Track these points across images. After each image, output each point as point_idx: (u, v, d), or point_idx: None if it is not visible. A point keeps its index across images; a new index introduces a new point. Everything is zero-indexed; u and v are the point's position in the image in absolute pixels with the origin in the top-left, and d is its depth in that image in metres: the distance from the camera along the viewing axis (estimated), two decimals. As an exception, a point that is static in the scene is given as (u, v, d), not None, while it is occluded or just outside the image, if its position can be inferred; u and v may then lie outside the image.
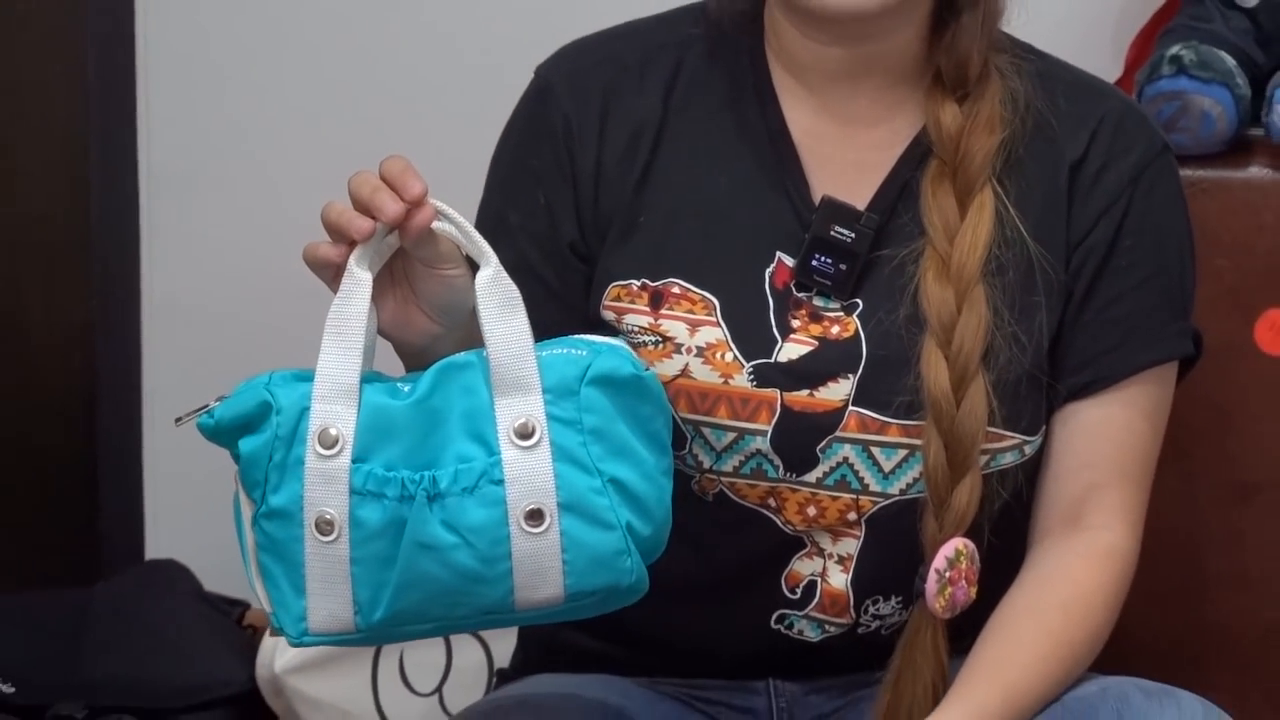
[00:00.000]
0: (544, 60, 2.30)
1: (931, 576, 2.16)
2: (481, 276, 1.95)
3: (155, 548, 3.38)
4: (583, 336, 2.00)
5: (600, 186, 2.20)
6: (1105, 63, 2.84)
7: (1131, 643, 2.50)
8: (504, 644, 2.82)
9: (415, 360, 2.05)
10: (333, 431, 1.94)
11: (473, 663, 2.98)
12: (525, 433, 1.94)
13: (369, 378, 1.98)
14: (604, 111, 2.25)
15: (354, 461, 1.94)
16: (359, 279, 1.95)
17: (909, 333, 2.16)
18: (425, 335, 2.03)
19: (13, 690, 2.93)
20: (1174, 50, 2.73)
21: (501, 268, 1.95)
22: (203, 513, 3.24)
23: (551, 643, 2.36)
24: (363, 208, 1.95)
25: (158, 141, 3.33)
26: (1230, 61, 2.73)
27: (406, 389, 1.97)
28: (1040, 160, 2.21)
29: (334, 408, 1.95)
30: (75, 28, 3.36)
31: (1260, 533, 2.76)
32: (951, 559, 2.16)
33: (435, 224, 1.95)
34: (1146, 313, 2.21)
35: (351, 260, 1.96)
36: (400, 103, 3.25)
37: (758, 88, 2.26)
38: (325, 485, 1.94)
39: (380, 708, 2.95)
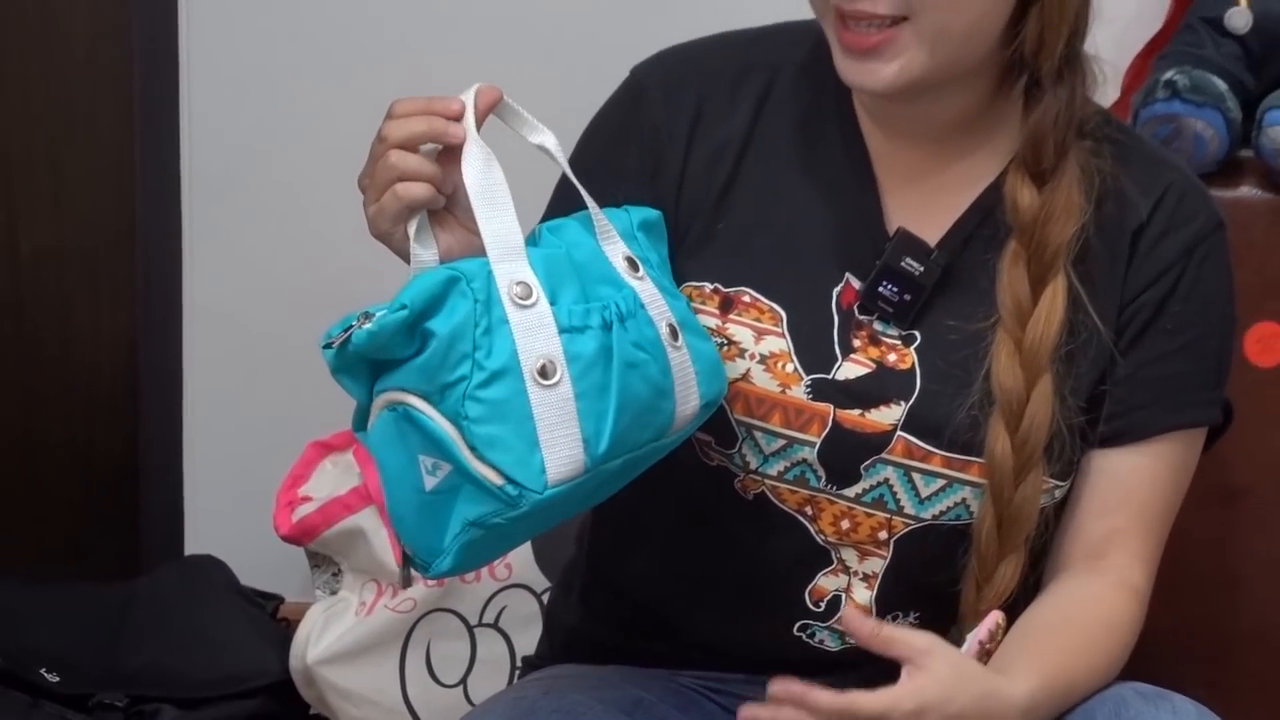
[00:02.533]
0: (641, 62, 2.27)
1: (975, 647, 2.14)
2: (550, 144, 2.03)
3: (194, 544, 3.37)
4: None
5: (683, 192, 2.18)
6: (1103, 87, 2.82)
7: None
8: (526, 637, 2.83)
9: None
10: (526, 283, 1.95)
11: (496, 655, 2.97)
12: (634, 266, 2.01)
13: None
14: (694, 123, 2.22)
15: (551, 304, 1.96)
16: (484, 151, 1.98)
17: (966, 384, 2.14)
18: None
19: (58, 680, 2.93)
20: (1168, 75, 2.72)
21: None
22: (240, 511, 3.25)
23: (575, 634, 2.35)
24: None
25: (198, 160, 3.33)
26: (1222, 86, 2.72)
27: (545, 244, 2.02)
28: (1107, 231, 2.17)
29: (514, 264, 1.96)
30: (122, 53, 3.35)
31: (1246, 534, 2.77)
32: (994, 632, 2.14)
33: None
34: (1183, 376, 2.19)
35: (471, 139, 1.98)
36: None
37: (841, 115, 2.23)
38: (535, 332, 1.94)
39: (408, 698, 2.94)
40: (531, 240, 2.01)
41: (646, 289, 2.01)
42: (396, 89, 3.15)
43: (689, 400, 2.02)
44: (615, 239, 2.03)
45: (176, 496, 3.38)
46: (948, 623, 2.17)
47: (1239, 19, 2.77)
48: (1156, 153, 2.28)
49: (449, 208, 2.02)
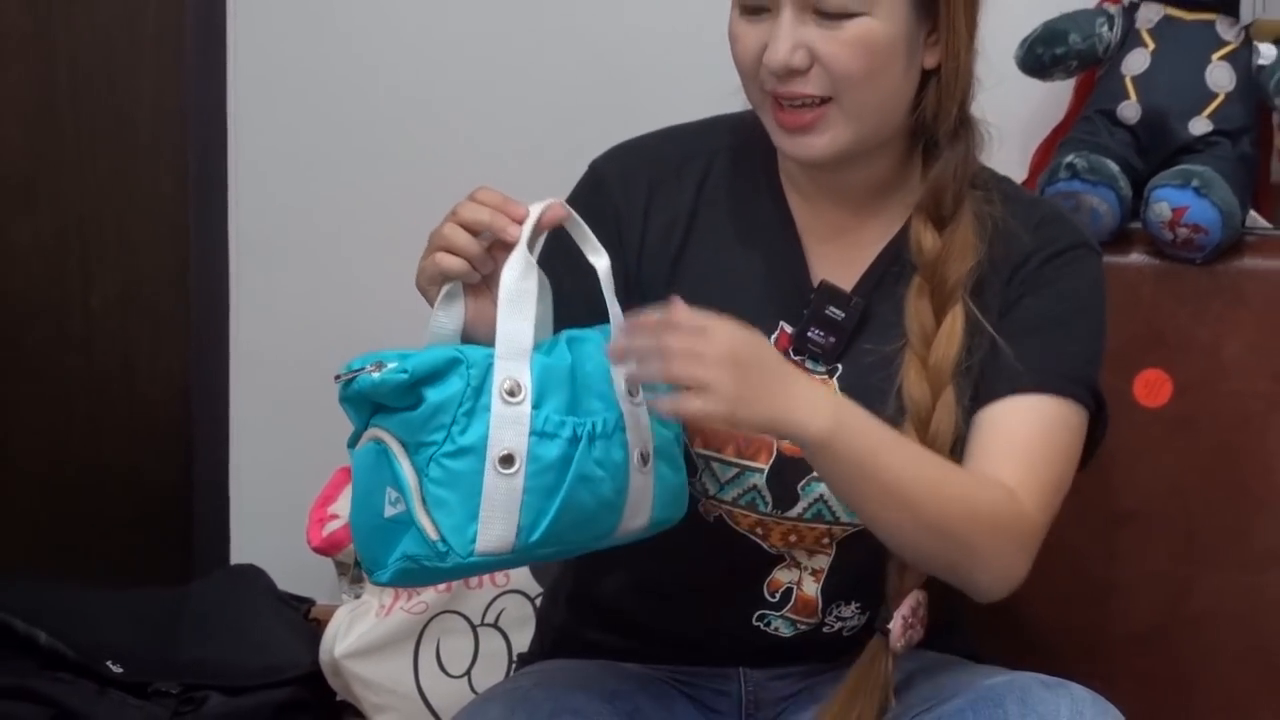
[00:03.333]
0: (599, 156, 2.30)
1: (898, 622, 2.14)
2: (602, 268, 2.03)
3: (238, 554, 3.37)
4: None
5: (643, 261, 2.19)
6: (1014, 169, 2.83)
7: (1031, 641, 2.50)
8: (522, 636, 2.82)
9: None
10: (519, 383, 1.95)
11: (496, 650, 2.96)
12: (632, 390, 1.98)
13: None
14: (648, 204, 2.25)
15: (534, 408, 1.95)
16: (526, 260, 1.98)
17: (880, 404, 2.13)
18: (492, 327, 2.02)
19: (121, 670, 2.92)
20: (1069, 158, 2.73)
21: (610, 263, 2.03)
22: (277, 526, 3.24)
23: (562, 633, 2.36)
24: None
25: (243, 225, 3.34)
26: (1115, 168, 2.73)
27: (556, 354, 2.00)
28: (999, 265, 2.19)
29: (514, 364, 1.95)
30: (179, 134, 3.36)
31: (1133, 550, 2.76)
32: (914, 608, 2.15)
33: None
34: (1042, 354, 2.17)
35: (520, 249, 1.98)
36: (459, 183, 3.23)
37: (770, 188, 2.26)
38: (510, 426, 1.94)
39: (420, 687, 2.94)
40: (550, 345, 2.00)
41: (636, 414, 1.99)
42: (415, 157, 3.18)
43: (637, 518, 2.01)
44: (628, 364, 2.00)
45: (223, 514, 3.38)
46: (877, 629, 2.18)
47: (1129, 111, 2.78)
48: (1032, 195, 2.33)
49: (487, 283, 2.02)
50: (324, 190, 3.27)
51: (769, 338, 2.19)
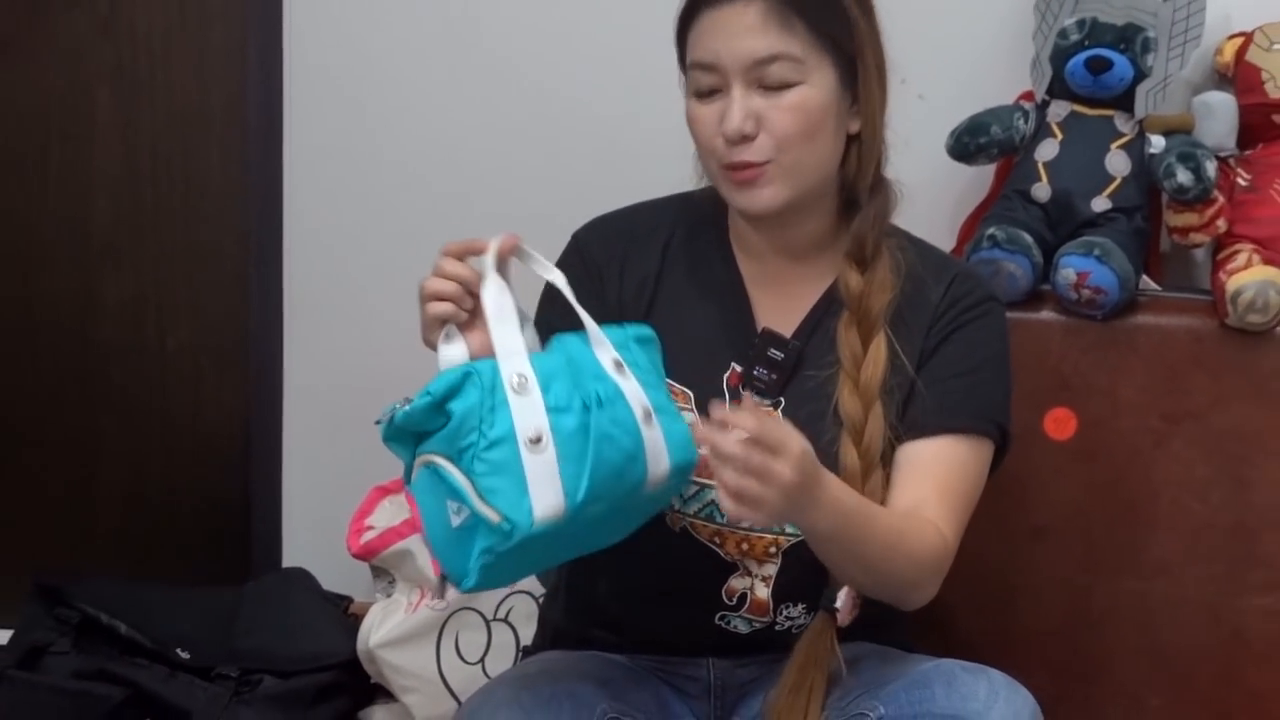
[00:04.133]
0: (580, 228, 2.34)
1: (848, 601, 2.16)
2: (559, 281, 2.07)
3: (289, 559, 3.37)
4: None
5: (621, 314, 2.22)
6: (945, 238, 2.85)
7: (955, 636, 2.50)
8: (528, 630, 2.82)
9: None
10: (524, 376, 1.97)
11: (506, 642, 2.96)
12: (619, 367, 2.00)
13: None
14: (622, 266, 2.28)
15: (544, 391, 1.97)
16: (498, 282, 2.01)
17: (822, 429, 2.16)
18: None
19: (188, 656, 2.92)
20: (990, 230, 2.74)
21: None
22: (322, 535, 3.23)
23: (560, 629, 2.37)
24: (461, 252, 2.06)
25: (295, 280, 3.33)
26: (1029, 239, 2.74)
27: (549, 351, 2.03)
28: (911, 301, 2.23)
29: (515, 361, 1.98)
30: (241, 203, 3.36)
31: (1045, 560, 2.76)
32: (855, 594, 2.17)
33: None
34: (957, 397, 2.21)
35: (489, 274, 2.01)
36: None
37: (722, 251, 2.30)
38: (528, 411, 1.95)
39: (441, 672, 2.93)
40: (544, 350, 2.04)
41: (628, 384, 2.00)
42: (444, 220, 3.19)
43: (660, 463, 2.00)
44: (607, 347, 2.03)
45: (276, 524, 3.37)
46: (822, 608, 2.19)
47: (1041, 192, 2.79)
48: (944, 254, 2.34)
49: (475, 320, 2.04)
50: (364, 251, 3.27)
51: (722, 376, 2.22)
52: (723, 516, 2.18)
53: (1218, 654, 2.71)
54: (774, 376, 2.22)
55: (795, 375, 2.22)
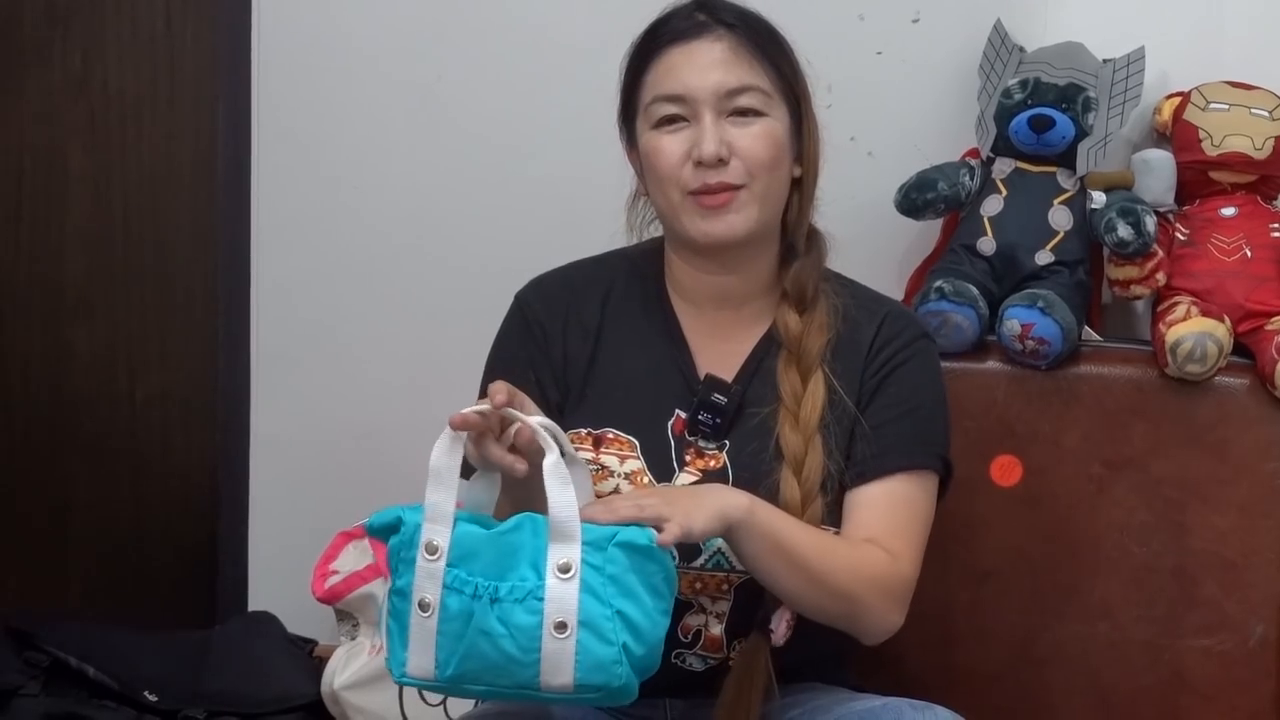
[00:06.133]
0: (522, 288, 2.34)
1: (784, 626, 2.15)
2: (546, 461, 1.94)
3: (255, 602, 3.34)
4: None
5: (566, 368, 2.22)
6: (893, 289, 2.85)
7: (904, 675, 2.50)
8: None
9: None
10: (436, 543, 1.95)
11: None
12: (565, 569, 1.92)
13: (478, 517, 2.00)
14: (565, 321, 2.28)
15: (448, 566, 1.94)
16: (453, 438, 1.95)
17: (762, 462, 2.16)
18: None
19: (156, 699, 2.90)
20: (937, 283, 2.75)
21: (560, 456, 1.94)
22: (289, 579, 3.20)
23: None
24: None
25: (264, 335, 3.31)
26: (975, 291, 2.74)
27: (500, 526, 1.97)
28: (846, 341, 2.24)
29: (437, 528, 1.95)
30: (209, 259, 3.35)
31: (990, 603, 2.76)
32: (794, 614, 2.16)
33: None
34: (901, 435, 2.22)
35: (444, 433, 1.95)
36: (448, 294, 3.22)
37: (660, 302, 2.30)
38: (427, 579, 1.95)
39: (404, 714, 2.89)
40: (513, 522, 1.98)
41: (561, 589, 1.92)
42: (412, 274, 3.18)
43: (559, 676, 1.93)
44: (568, 547, 1.93)
45: (243, 569, 3.34)
46: (756, 629, 2.18)
47: (986, 246, 2.80)
48: (875, 294, 2.35)
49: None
50: (329, 305, 3.26)
51: (667, 423, 2.22)
52: (674, 557, 2.17)
53: (1159, 694, 2.71)
54: (718, 421, 2.22)
55: (739, 418, 2.22)
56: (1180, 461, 2.70)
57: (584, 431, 2.23)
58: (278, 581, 3.31)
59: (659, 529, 1.95)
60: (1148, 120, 2.90)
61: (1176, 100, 2.85)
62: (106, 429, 3.43)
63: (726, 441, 2.22)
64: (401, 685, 2.01)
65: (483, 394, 2.19)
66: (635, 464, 2.20)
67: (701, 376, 2.25)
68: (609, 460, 2.21)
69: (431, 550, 1.95)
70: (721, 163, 2.16)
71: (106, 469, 3.44)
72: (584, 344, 2.28)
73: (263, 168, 3.26)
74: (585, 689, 1.94)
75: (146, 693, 2.90)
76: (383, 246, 3.23)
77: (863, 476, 2.20)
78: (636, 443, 2.22)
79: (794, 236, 2.26)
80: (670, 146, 2.19)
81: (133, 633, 3.09)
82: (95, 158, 3.36)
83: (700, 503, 2.03)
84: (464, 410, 1.96)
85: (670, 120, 2.19)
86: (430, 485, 1.96)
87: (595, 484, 2.17)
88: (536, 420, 1.98)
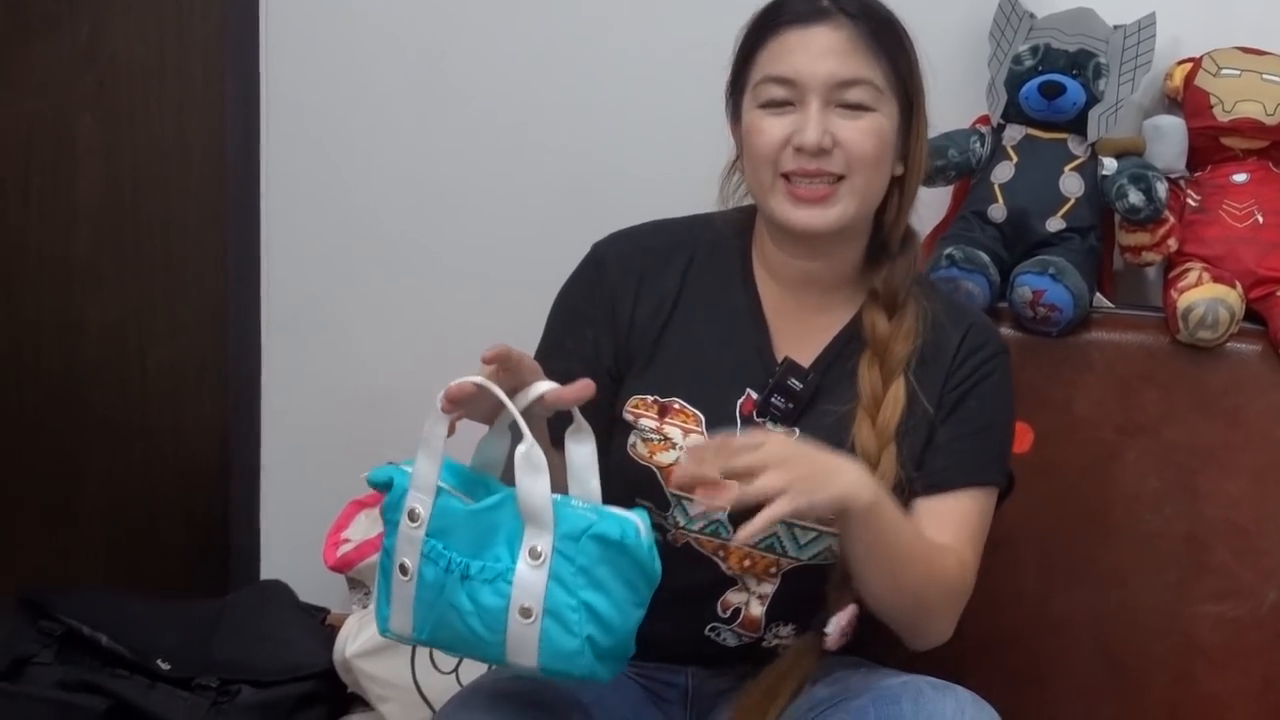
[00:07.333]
0: (600, 240, 2.29)
1: (836, 628, 2.14)
2: (518, 451, 1.91)
3: (267, 571, 3.34)
4: (608, 507, 1.94)
5: (631, 332, 2.19)
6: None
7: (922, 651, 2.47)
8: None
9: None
10: (418, 511, 1.94)
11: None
12: (536, 555, 1.90)
13: (469, 481, 1.98)
14: (639, 284, 2.24)
15: (427, 536, 1.93)
16: (440, 416, 1.93)
17: (834, 447, 2.12)
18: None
19: (169, 667, 2.88)
20: (948, 250, 2.73)
21: (535, 443, 1.90)
22: (299, 549, 3.20)
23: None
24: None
25: (274, 306, 3.31)
26: (985, 258, 2.72)
27: (483, 502, 1.95)
28: (932, 350, 2.21)
29: (420, 496, 1.94)
30: (219, 235, 3.34)
31: (1004, 571, 2.70)
32: (851, 619, 2.16)
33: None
34: (974, 451, 2.21)
35: (435, 404, 1.93)
36: (459, 269, 3.20)
37: (744, 276, 2.26)
38: (408, 544, 1.94)
39: (416, 681, 2.91)
40: (501, 495, 1.96)
41: (530, 575, 1.90)
42: (419, 249, 3.17)
43: (522, 658, 1.93)
44: (540, 534, 1.90)
45: (254, 539, 3.34)
46: (813, 629, 2.17)
47: (997, 213, 2.78)
48: (961, 302, 2.34)
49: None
50: (339, 273, 3.25)
51: (736, 401, 2.18)
52: (728, 533, 2.14)
53: (1171, 661, 2.70)
54: (791, 406, 2.19)
55: (811, 407, 2.19)
56: (1192, 428, 2.68)
57: (650, 399, 2.20)
58: (289, 550, 3.30)
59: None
60: (1159, 86, 2.88)
61: (1188, 66, 2.83)
62: (117, 400, 3.42)
63: (796, 429, 2.19)
64: (384, 637, 2.02)
65: (547, 343, 2.20)
66: (699, 439, 2.16)
67: (779, 358, 2.22)
68: (672, 432, 2.18)
69: (414, 517, 1.94)
70: (823, 152, 2.13)
71: (117, 440, 3.43)
72: (657, 311, 2.24)
73: (272, 138, 3.25)
74: (549, 671, 1.93)
75: (159, 661, 2.89)
76: (392, 217, 3.22)
77: (934, 488, 2.18)
78: (703, 417, 2.19)
79: (889, 236, 2.22)
80: (772, 129, 2.15)
81: (145, 602, 3.08)
82: (104, 128, 3.35)
83: (829, 479, 1.97)
84: (457, 381, 1.92)
85: (777, 103, 2.16)
86: (419, 454, 1.95)
87: (655, 454, 2.16)
88: (542, 387, 1.95)
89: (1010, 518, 2.70)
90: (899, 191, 2.21)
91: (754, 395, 2.20)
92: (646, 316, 2.23)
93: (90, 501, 3.44)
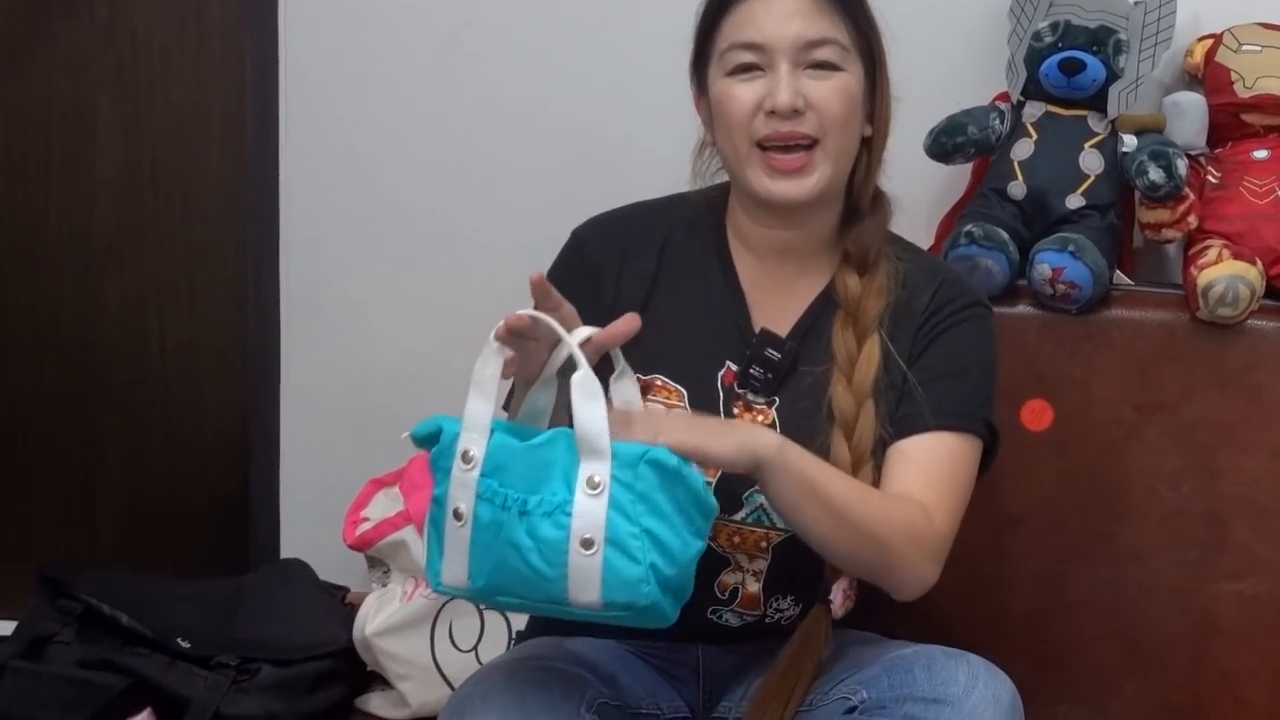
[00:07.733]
0: (580, 225, 2.30)
1: (839, 593, 2.14)
2: (575, 376, 1.90)
3: (287, 550, 3.33)
4: None
5: (615, 314, 2.16)
6: (922, 236, 2.82)
7: (935, 621, 2.47)
8: (519, 617, 2.80)
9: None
10: (471, 452, 1.92)
11: (498, 629, 2.92)
12: (594, 485, 1.88)
13: (517, 427, 1.98)
14: (621, 263, 2.25)
15: (481, 476, 1.91)
16: (492, 354, 1.94)
17: (812, 422, 2.13)
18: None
19: (189, 646, 2.88)
20: (968, 228, 2.72)
21: (590, 371, 1.90)
22: (319, 527, 3.20)
23: (551, 617, 2.31)
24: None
25: (293, 283, 3.30)
26: (1005, 235, 2.71)
27: (535, 439, 1.94)
28: (905, 306, 2.21)
29: (473, 437, 1.92)
30: (239, 215, 3.33)
31: (1019, 549, 2.74)
32: (851, 582, 2.15)
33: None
34: (940, 395, 2.18)
35: (489, 344, 1.94)
36: (475, 246, 3.20)
37: (719, 252, 2.27)
38: (461, 488, 1.92)
39: (435, 659, 2.91)
40: (549, 433, 1.95)
41: (590, 505, 1.88)
42: (437, 226, 3.16)
43: (585, 594, 1.90)
44: (597, 462, 1.89)
45: (274, 517, 3.34)
46: (812, 600, 2.16)
47: (1017, 190, 2.77)
48: (933, 259, 2.35)
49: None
50: (359, 251, 3.25)
51: (717, 374, 2.19)
52: (708, 481, 2.14)
53: (1189, 638, 2.70)
54: (770, 376, 2.19)
55: (790, 374, 2.19)
56: (1212, 405, 2.68)
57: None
58: (309, 529, 3.30)
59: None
60: (1179, 63, 2.87)
61: (1208, 42, 2.82)
62: (137, 378, 3.42)
63: (777, 398, 2.19)
64: (440, 595, 2.01)
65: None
66: (682, 414, 2.16)
67: (757, 329, 2.22)
68: (655, 408, 2.18)
69: (467, 459, 1.92)
70: (796, 113, 2.13)
71: (137, 418, 3.43)
72: (638, 289, 2.25)
73: (291, 115, 3.24)
74: (613, 606, 1.90)
75: (179, 640, 2.88)
76: (412, 195, 3.21)
77: (902, 432, 2.17)
78: (685, 392, 2.19)
79: (859, 197, 2.22)
80: (743, 94, 2.15)
81: (165, 581, 3.08)
82: (124, 107, 3.34)
83: (725, 432, 2.00)
84: (516, 313, 1.94)
85: (745, 68, 2.16)
86: (471, 395, 1.94)
87: None
88: (583, 332, 1.96)
89: (1029, 495, 2.71)
90: (867, 152, 2.22)
91: (734, 367, 2.20)
92: (629, 295, 2.23)
93: (110, 480, 3.44)
